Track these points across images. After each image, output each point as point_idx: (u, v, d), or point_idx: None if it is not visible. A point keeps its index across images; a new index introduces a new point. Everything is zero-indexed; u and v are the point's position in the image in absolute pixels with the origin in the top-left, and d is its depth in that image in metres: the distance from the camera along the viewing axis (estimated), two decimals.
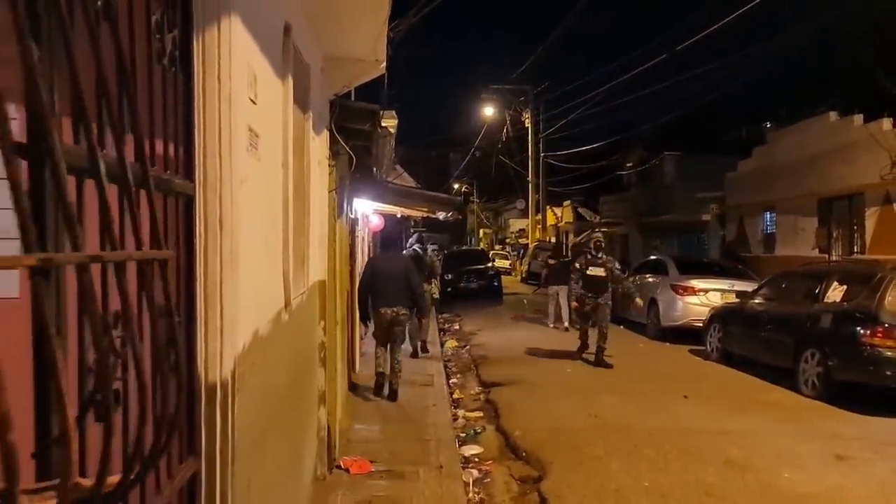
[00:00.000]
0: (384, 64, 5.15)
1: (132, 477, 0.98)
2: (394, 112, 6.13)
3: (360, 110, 5.53)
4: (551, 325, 14.86)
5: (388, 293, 7.82)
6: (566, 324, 14.16)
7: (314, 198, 4.60)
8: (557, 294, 14.55)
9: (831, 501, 4.92)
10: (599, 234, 12.09)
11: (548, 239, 31.91)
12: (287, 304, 3.42)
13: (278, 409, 3.28)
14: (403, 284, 7.87)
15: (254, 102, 2.58)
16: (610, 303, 10.87)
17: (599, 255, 10.85)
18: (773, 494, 5.07)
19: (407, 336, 9.06)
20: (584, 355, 10.76)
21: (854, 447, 6.20)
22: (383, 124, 6.15)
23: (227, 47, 2.20)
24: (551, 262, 15.95)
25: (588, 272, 10.61)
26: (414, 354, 10.51)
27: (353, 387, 8.26)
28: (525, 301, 20.12)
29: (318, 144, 4.89)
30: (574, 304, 11.41)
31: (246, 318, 2.45)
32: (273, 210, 3.14)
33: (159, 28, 1.76)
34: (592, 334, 10.59)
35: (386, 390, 7.92)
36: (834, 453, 6.03)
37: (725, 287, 12.77)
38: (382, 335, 7.95)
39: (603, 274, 10.62)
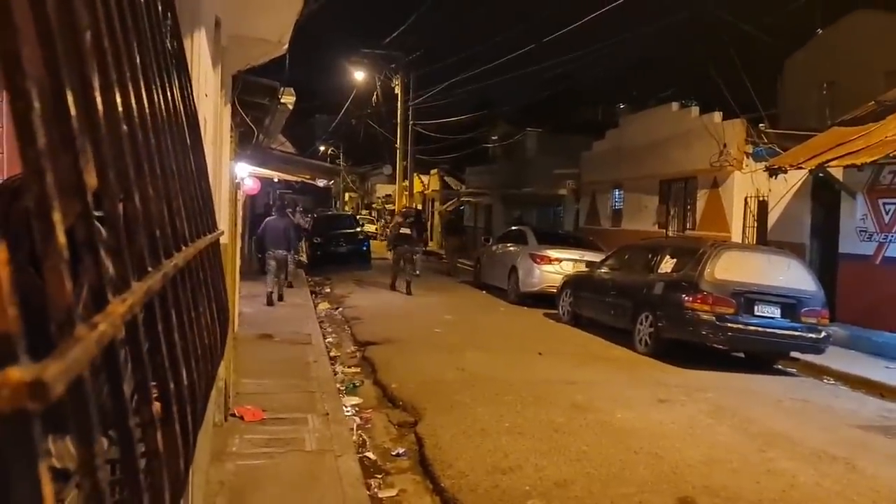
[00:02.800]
0: (287, 46, 5.58)
1: None
2: (292, 89, 6.51)
3: (261, 86, 5.90)
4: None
5: (276, 241, 12.47)
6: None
7: (223, 167, 5.01)
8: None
9: (652, 433, 6.08)
10: (401, 217, 17.55)
11: (414, 205, 32.71)
12: None
13: None
14: (285, 235, 12.55)
15: (206, 96, 3.06)
16: (419, 251, 16.95)
17: (407, 221, 16.49)
18: (608, 429, 6.16)
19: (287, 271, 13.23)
20: (397, 289, 15.36)
21: (673, 392, 7.53)
22: (283, 100, 6.54)
23: (198, 55, 2.68)
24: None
25: (401, 231, 15.87)
26: (290, 286, 13.98)
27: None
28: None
29: (226, 118, 5.27)
30: (392, 255, 16.14)
31: None
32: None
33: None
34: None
35: (276, 299, 12.32)
36: (657, 397, 7.30)
37: (577, 257, 14.12)
38: (272, 267, 12.35)
39: (410, 232, 15.97)
